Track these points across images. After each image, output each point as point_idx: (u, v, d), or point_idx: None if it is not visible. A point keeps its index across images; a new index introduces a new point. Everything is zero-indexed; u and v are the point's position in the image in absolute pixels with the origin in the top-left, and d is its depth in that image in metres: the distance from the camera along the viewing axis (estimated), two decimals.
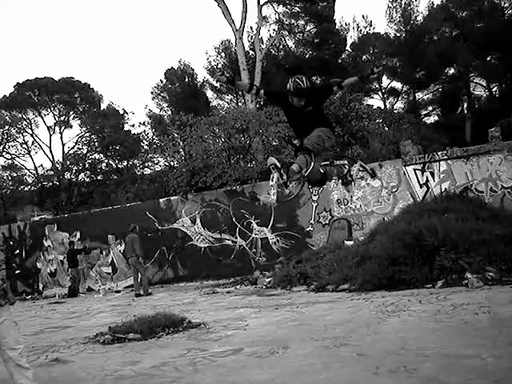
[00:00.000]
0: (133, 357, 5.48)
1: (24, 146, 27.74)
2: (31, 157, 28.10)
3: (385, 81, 28.55)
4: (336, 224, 12.87)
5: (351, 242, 11.57)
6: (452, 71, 26.29)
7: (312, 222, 13.37)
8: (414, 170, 12.17)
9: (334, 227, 12.86)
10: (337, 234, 12.59)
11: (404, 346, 4.54)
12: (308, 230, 13.39)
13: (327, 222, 13.15)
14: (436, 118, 28.57)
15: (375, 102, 28.80)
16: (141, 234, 15.53)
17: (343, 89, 4.74)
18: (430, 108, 28.65)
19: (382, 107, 26.48)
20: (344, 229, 12.65)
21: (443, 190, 11.58)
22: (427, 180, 12.02)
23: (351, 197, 12.86)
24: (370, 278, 8.48)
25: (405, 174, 12.29)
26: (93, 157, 28.42)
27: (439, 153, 12.01)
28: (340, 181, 5.56)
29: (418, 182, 12.13)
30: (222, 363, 4.78)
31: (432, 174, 11.97)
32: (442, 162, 11.85)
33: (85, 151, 28.24)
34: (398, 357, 4.23)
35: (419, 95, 28.30)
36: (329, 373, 4.04)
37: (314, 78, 27.99)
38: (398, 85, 28.56)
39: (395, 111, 26.57)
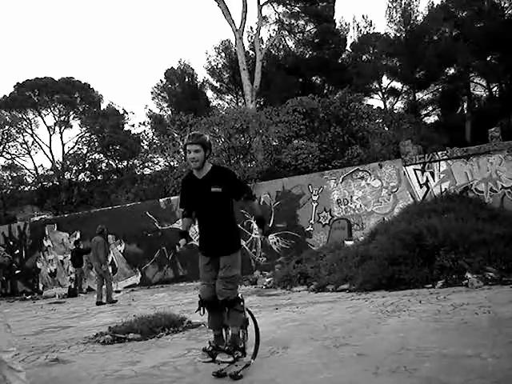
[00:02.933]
0: (133, 357, 5.47)
1: (24, 146, 27.82)
2: (31, 157, 28.20)
3: (385, 81, 28.62)
4: (336, 224, 12.87)
5: (351, 242, 11.57)
6: (452, 71, 26.32)
7: (312, 221, 13.38)
8: (414, 170, 12.18)
9: (333, 227, 12.86)
10: (337, 233, 12.59)
11: (404, 346, 4.53)
12: (308, 229, 13.39)
13: (327, 221, 13.16)
14: (436, 118, 28.62)
15: (375, 102, 28.88)
16: (141, 234, 15.57)
17: (247, 203, 4.40)
18: (430, 108, 28.69)
19: (382, 107, 26.51)
20: (344, 229, 12.65)
21: (443, 189, 11.59)
22: (427, 180, 12.02)
23: (351, 197, 12.88)
24: (369, 278, 8.48)
25: (405, 174, 12.29)
26: (93, 157, 28.48)
27: (439, 153, 12.01)
28: None
29: (418, 182, 12.13)
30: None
31: (432, 173, 11.97)
32: (442, 162, 11.86)
33: (85, 151, 28.28)
34: (398, 357, 4.22)
35: (419, 95, 28.35)
36: (329, 373, 4.03)
37: (313, 78, 28.05)
38: (398, 85, 28.64)
39: (395, 111, 26.58)
